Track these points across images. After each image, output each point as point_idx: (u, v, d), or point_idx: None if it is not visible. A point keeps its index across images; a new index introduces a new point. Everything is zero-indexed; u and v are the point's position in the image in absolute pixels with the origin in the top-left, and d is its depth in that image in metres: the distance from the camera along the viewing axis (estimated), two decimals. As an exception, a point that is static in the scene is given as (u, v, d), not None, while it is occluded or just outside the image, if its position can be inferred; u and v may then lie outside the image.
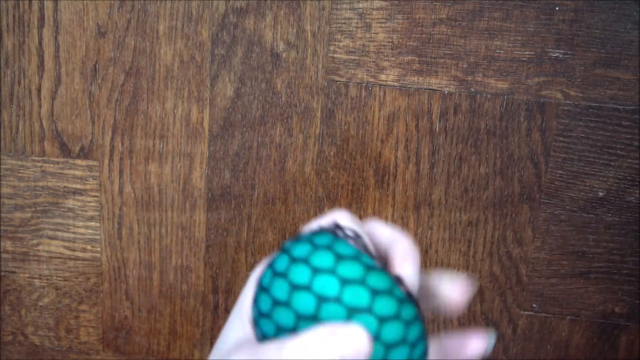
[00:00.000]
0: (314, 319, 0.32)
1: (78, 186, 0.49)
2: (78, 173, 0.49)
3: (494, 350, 0.49)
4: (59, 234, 0.50)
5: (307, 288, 0.33)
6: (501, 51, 0.45)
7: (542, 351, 0.48)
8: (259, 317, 0.33)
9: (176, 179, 0.48)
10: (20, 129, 0.49)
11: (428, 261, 0.48)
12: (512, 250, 0.47)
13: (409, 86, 0.46)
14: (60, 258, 0.50)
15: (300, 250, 0.33)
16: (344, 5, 0.45)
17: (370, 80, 0.46)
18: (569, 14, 0.44)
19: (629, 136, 0.45)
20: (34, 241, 0.50)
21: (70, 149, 0.49)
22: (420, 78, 0.46)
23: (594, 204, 0.46)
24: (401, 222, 0.48)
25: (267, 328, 0.33)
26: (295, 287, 0.33)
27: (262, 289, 0.33)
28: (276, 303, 0.33)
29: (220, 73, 0.47)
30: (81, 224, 0.50)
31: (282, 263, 0.33)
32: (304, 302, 0.32)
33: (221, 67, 0.47)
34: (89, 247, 0.50)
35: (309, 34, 0.46)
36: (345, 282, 0.32)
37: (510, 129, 0.46)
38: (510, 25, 0.44)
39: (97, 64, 0.47)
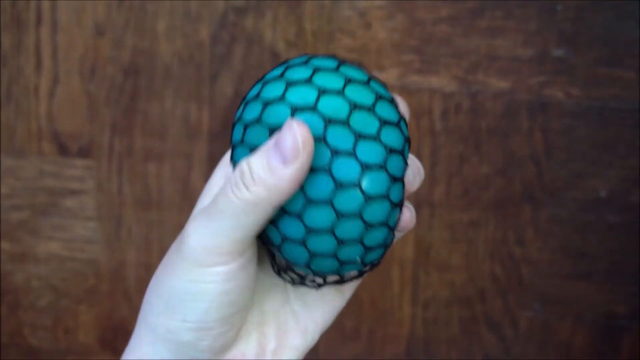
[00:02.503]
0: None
1: (76, 186, 0.49)
2: (76, 173, 0.49)
3: (496, 350, 0.49)
4: (57, 234, 0.50)
5: (280, 100, 0.32)
6: (502, 50, 0.45)
7: (544, 352, 0.48)
8: (233, 148, 0.33)
9: (175, 178, 0.48)
10: (18, 128, 0.49)
11: (429, 261, 0.48)
12: (514, 251, 0.47)
13: (410, 85, 0.46)
14: (58, 258, 0.50)
15: (275, 71, 0.32)
16: (344, 4, 0.45)
17: (371, 79, 0.46)
18: (571, 13, 0.44)
19: (631, 136, 0.45)
20: (32, 241, 0.50)
21: (69, 148, 0.49)
22: (421, 77, 0.46)
23: (596, 204, 0.46)
24: (402, 222, 0.48)
25: (241, 155, 0.33)
26: (267, 103, 0.32)
27: (236, 120, 0.33)
28: (249, 124, 0.32)
29: (220, 72, 0.47)
30: (79, 224, 0.50)
31: (254, 90, 0.32)
32: (276, 115, 0.32)
33: (221, 67, 0.47)
34: (87, 247, 0.50)
35: (309, 33, 0.46)
36: (323, 92, 0.31)
37: (512, 129, 0.46)
38: (511, 24, 0.44)
39: (95, 63, 0.47)
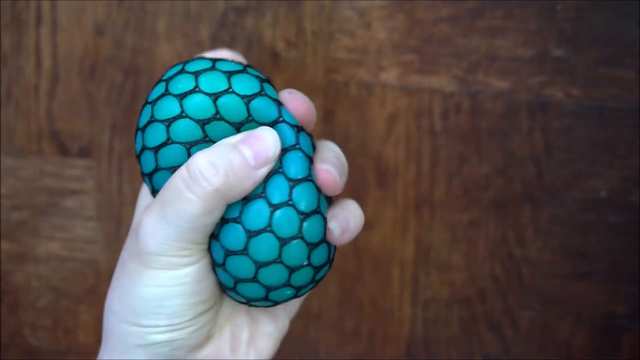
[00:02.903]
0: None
1: (76, 186, 0.49)
2: (76, 173, 0.49)
3: (496, 350, 0.49)
4: (57, 234, 0.50)
5: (179, 116, 0.32)
6: (502, 50, 0.45)
7: (544, 352, 0.48)
8: (150, 175, 0.33)
9: (175, 179, 0.48)
10: (18, 128, 0.49)
11: (428, 261, 0.48)
12: (514, 251, 0.47)
13: (410, 85, 0.46)
14: (58, 258, 0.50)
15: (158, 89, 0.33)
16: (344, 4, 0.45)
17: (371, 79, 0.46)
18: (571, 13, 0.44)
19: (631, 136, 0.45)
20: (32, 241, 0.50)
21: (69, 148, 0.49)
22: (421, 77, 0.46)
23: (596, 204, 0.46)
24: (402, 222, 0.48)
25: (164, 178, 0.33)
26: (167, 120, 0.32)
27: (141, 150, 0.33)
28: (158, 148, 0.32)
29: (220, 72, 0.47)
30: (79, 224, 0.50)
31: (145, 114, 0.33)
32: (182, 130, 0.32)
33: (220, 66, 0.47)
34: (87, 247, 0.50)
35: (309, 33, 0.46)
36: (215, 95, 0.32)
37: (512, 129, 0.46)
38: (511, 24, 0.44)
39: (95, 63, 0.47)
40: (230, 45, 0.46)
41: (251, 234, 0.31)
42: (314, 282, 0.33)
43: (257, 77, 0.34)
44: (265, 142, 0.31)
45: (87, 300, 0.51)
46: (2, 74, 0.48)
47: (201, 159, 0.30)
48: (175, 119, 0.32)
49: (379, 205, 0.47)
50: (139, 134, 0.33)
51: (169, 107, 0.32)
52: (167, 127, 0.32)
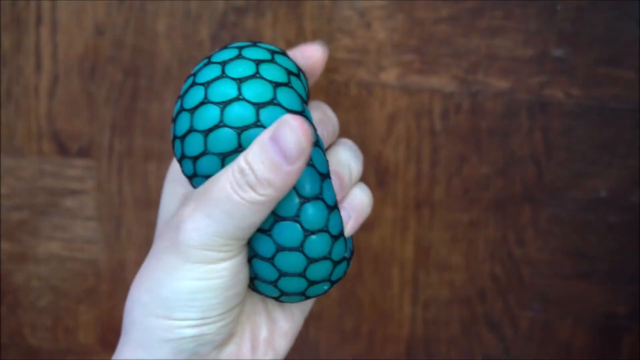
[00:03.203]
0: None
1: (76, 186, 0.49)
2: (76, 173, 0.49)
3: (496, 350, 0.49)
4: (57, 234, 0.50)
5: (204, 102, 0.33)
6: (502, 50, 0.45)
7: (544, 352, 0.48)
8: (182, 157, 0.33)
9: (175, 179, 0.48)
10: (18, 128, 0.49)
11: (429, 261, 0.48)
12: (514, 251, 0.47)
13: (410, 86, 0.46)
14: (58, 258, 0.50)
15: (188, 82, 0.34)
16: (344, 4, 0.45)
17: (371, 79, 0.46)
18: (571, 13, 0.44)
19: (631, 136, 0.45)
20: (32, 241, 0.50)
21: (69, 148, 0.49)
22: (421, 77, 0.46)
23: (596, 204, 0.46)
24: (402, 222, 0.48)
25: (189, 166, 0.33)
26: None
27: (178, 136, 0.34)
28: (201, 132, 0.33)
29: (220, 72, 0.46)
30: (79, 224, 0.50)
31: (185, 87, 0.34)
32: (207, 118, 0.32)
33: (220, 66, 0.47)
34: (87, 247, 0.50)
35: (309, 32, 0.46)
36: (241, 80, 0.33)
37: (512, 129, 0.46)
38: (511, 24, 0.44)
39: (95, 63, 0.47)
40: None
41: (309, 233, 0.32)
42: (344, 274, 0.35)
43: (287, 70, 0.35)
44: (291, 133, 0.31)
45: (87, 300, 0.51)
46: (2, 74, 0.48)
47: (242, 161, 0.31)
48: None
49: (379, 205, 0.47)
50: (178, 142, 0.34)
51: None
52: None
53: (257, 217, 0.31)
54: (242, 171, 0.30)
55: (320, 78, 0.46)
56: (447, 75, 0.45)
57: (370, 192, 0.37)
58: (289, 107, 0.33)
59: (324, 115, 0.37)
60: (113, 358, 0.34)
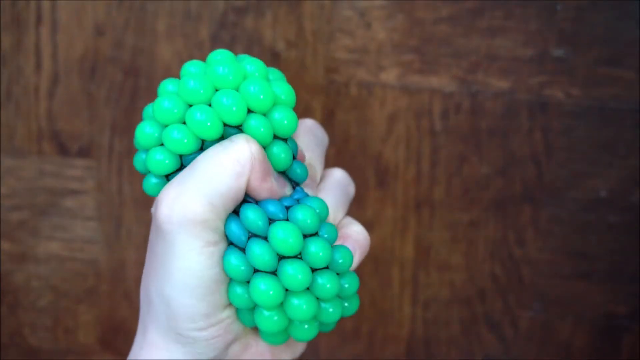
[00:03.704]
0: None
1: (76, 186, 0.49)
2: (76, 173, 0.49)
3: (496, 350, 0.49)
4: (57, 234, 0.50)
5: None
6: (502, 50, 0.45)
7: (544, 352, 0.48)
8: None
9: (175, 179, 0.48)
10: (18, 128, 0.49)
11: (429, 261, 0.48)
12: (514, 251, 0.47)
13: (410, 86, 0.46)
14: (58, 258, 0.50)
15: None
16: (344, 4, 0.45)
17: (371, 79, 0.46)
18: (571, 13, 0.44)
19: (631, 136, 0.45)
20: (32, 241, 0.50)
21: (69, 148, 0.49)
22: (421, 77, 0.46)
23: (596, 204, 0.46)
24: (402, 222, 0.48)
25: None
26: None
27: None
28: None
29: (220, 72, 0.46)
30: (79, 224, 0.50)
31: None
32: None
33: (220, 66, 0.47)
34: (87, 247, 0.50)
35: (309, 33, 0.46)
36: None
37: (512, 129, 0.46)
38: (511, 24, 0.44)
39: (95, 63, 0.47)
40: (230, 45, 0.46)
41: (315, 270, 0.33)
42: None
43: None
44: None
45: (87, 300, 0.51)
46: (2, 74, 0.48)
47: (242, 135, 0.32)
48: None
49: (379, 205, 0.47)
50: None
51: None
52: None
53: (235, 182, 0.31)
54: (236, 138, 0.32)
55: (320, 78, 0.46)
56: (447, 75, 0.45)
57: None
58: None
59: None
60: (132, 356, 0.34)
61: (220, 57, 0.35)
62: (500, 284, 0.48)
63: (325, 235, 0.33)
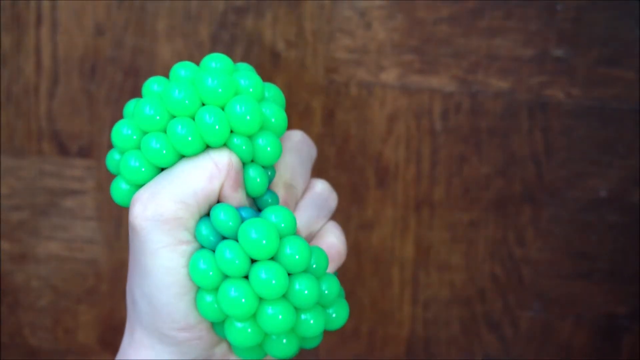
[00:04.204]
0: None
1: (76, 186, 0.49)
2: (76, 173, 0.49)
3: (496, 350, 0.49)
4: (57, 234, 0.50)
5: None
6: (502, 50, 0.45)
7: (544, 352, 0.48)
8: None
9: (175, 179, 0.48)
10: (18, 128, 0.49)
11: (429, 261, 0.48)
12: (514, 251, 0.47)
13: (410, 86, 0.46)
14: (58, 258, 0.50)
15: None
16: (344, 4, 0.45)
17: (371, 79, 0.46)
18: (571, 13, 0.44)
19: (631, 136, 0.45)
20: (32, 241, 0.50)
21: (69, 148, 0.49)
22: (421, 77, 0.46)
23: (596, 204, 0.46)
24: (402, 222, 0.48)
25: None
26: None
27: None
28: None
29: (220, 72, 0.46)
30: (79, 224, 0.50)
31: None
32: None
33: (220, 66, 0.46)
34: (87, 247, 0.50)
35: (309, 33, 0.46)
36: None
37: (512, 129, 0.46)
38: (511, 24, 0.44)
39: (95, 63, 0.47)
40: (230, 45, 0.46)
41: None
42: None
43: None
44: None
45: (87, 300, 0.51)
46: (2, 74, 0.48)
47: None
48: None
49: (379, 205, 0.47)
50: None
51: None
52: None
53: (208, 184, 0.31)
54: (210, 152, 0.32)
55: (320, 78, 0.46)
56: (447, 75, 0.45)
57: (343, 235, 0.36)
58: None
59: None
60: (119, 356, 0.34)
61: (214, 64, 0.33)
62: (500, 284, 0.48)
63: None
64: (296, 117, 0.46)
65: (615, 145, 0.45)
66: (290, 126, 0.47)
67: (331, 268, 0.35)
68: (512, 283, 0.48)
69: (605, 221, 0.46)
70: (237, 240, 0.30)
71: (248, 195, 0.33)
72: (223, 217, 0.30)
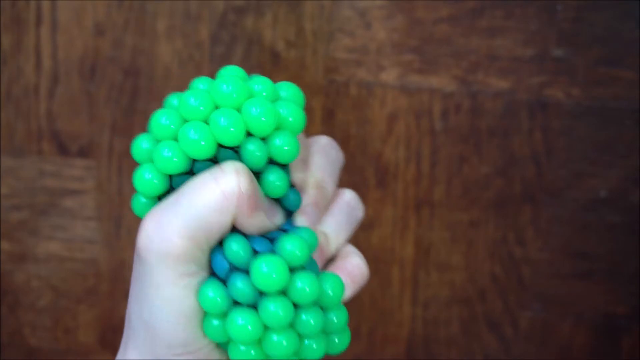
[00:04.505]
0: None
1: (76, 186, 0.49)
2: (76, 173, 0.49)
3: (496, 350, 0.49)
4: (57, 234, 0.50)
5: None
6: (502, 50, 0.45)
7: (544, 352, 0.48)
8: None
9: (175, 179, 0.48)
10: (18, 128, 0.49)
11: (429, 261, 0.48)
12: (514, 251, 0.47)
13: (410, 85, 0.46)
14: (58, 258, 0.50)
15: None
16: (344, 4, 0.45)
17: (371, 79, 0.46)
18: (571, 13, 0.44)
19: (631, 136, 0.45)
20: (32, 241, 0.50)
21: (69, 148, 0.49)
22: (421, 77, 0.46)
23: (596, 204, 0.46)
24: (402, 222, 0.48)
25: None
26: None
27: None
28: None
29: (220, 72, 0.47)
30: (79, 224, 0.50)
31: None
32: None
33: (221, 66, 0.47)
34: (87, 247, 0.50)
35: (309, 33, 0.46)
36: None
37: (512, 129, 0.46)
38: (511, 24, 0.44)
39: (95, 63, 0.47)
40: (230, 45, 0.46)
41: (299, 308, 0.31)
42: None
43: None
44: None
45: (87, 300, 0.51)
46: (2, 74, 0.48)
47: (233, 162, 0.30)
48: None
49: (379, 205, 0.47)
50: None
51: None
52: None
53: (221, 217, 0.30)
54: (226, 165, 0.30)
55: (320, 78, 0.46)
56: (447, 75, 0.45)
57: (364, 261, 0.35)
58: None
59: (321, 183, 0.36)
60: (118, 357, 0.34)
61: (229, 73, 0.33)
62: (500, 284, 0.48)
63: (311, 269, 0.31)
64: (296, 117, 0.46)
65: (615, 145, 0.45)
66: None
67: (353, 289, 0.34)
68: (512, 283, 0.48)
69: (605, 221, 0.46)
70: (248, 272, 0.30)
71: (269, 196, 0.32)
72: (235, 250, 0.30)
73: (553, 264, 0.47)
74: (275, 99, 0.32)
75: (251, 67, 0.46)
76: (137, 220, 0.49)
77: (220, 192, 0.30)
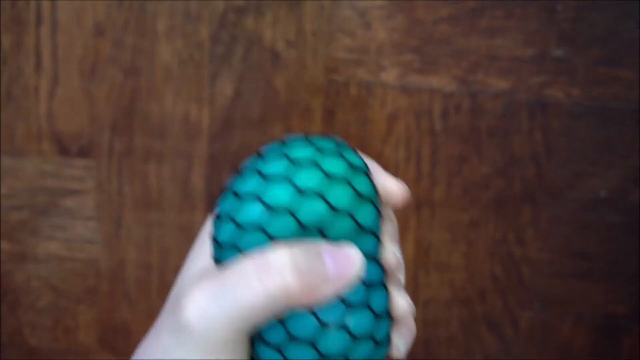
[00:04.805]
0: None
1: (76, 186, 0.49)
2: (76, 173, 0.49)
3: (496, 350, 0.49)
4: (57, 234, 0.50)
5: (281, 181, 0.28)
6: (502, 50, 0.45)
7: (544, 352, 0.48)
8: (219, 249, 0.29)
9: (175, 179, 0.48)
10: (18, 128, 0.49)
11: (429, 261, 0.48)
12: (514, 251, 0.47)
13: (410, 85, 0.46)
14: (58, 258, 0.50)
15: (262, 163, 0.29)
16: (344, 4, 0.45)
17: (371, 79, 0.46)
18: (571, 13, 0.44)
19: (631, 136, 0.45)
20: (32, 241, 0.50)
21: (69, 148, 0.49)
22: (421, 77, 0.46)
23: (596, 204, 0.46)
24: (402, 222, 0.48)
25: (229, 257, 0.29)
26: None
27: (220, 216, 0.29)
28: (239, 227, 0.28)
29: (220, 72, 0.47)
30: (79, 224, 0.50)
31: (247, 184, 0.29)
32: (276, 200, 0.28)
33: (220, 66, 0.47)
34: (87, 247, 0.50)
35: (309, 33, 0.46)
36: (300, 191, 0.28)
37: (512, 129, 0.46)
38: (511, 24, 0.44)
39: (95, 63, 0.47)
40: (230, 45, 0.46)
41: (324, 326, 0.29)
42: None
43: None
44: (352, 266, 0.28)
45: (87, 300, 0.51)
46: (2, 74, 0.48)
47: (283, 252, 0.27)
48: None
49: (379, 205, 0.47)
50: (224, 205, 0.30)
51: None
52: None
53: (267, 313, 0.27)
54: (275, 259, 0.27)
55: (320, 78, 0.46)
56: (447, 75, 0.45)
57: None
58: (362, 222, 0.29)
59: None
60: None
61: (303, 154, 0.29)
62: (500, 284, 0.48)
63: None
64: (296, 117, 0.47)
65: (615, 145, 0.45)
66: (290, 126, 0.47)
67: (409, 342, 0.33)
68: (512, 283, 0.48)
69: (605, 221, 0.46)
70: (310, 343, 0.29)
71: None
72: (302, 334, 0.28)
73: (553, 264, 0.47)
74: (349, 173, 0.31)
75: (251, 67, 0.46)
76: (137, 220, 0.49)
77: (263, 293, 0.27)
